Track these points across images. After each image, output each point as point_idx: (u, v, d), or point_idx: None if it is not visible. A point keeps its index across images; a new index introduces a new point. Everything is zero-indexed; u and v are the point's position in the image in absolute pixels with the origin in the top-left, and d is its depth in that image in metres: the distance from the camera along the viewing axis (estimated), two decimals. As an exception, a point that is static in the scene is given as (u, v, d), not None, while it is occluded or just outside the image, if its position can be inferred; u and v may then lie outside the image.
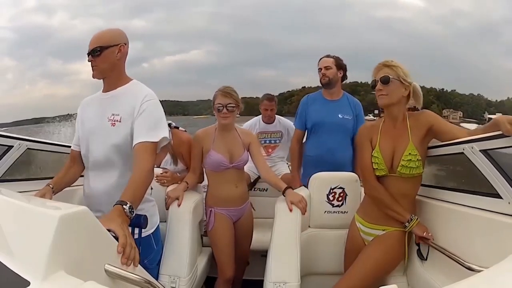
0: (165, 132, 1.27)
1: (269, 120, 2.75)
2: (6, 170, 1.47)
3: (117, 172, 1.29)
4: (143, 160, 1.19)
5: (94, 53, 1.27)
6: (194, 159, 1.80)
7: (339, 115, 2.21)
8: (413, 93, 1.41)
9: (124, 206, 1.04)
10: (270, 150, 2.77)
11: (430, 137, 1.40)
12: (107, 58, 1.29)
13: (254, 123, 2.79)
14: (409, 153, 1.35)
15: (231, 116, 1.75)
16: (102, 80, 1.36)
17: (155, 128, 1.25)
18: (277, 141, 2.75)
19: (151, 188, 1.40)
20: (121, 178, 1.26)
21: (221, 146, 1.76)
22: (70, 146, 1.75)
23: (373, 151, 1.44)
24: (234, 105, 1.73)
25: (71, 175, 1.43)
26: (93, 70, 1.30)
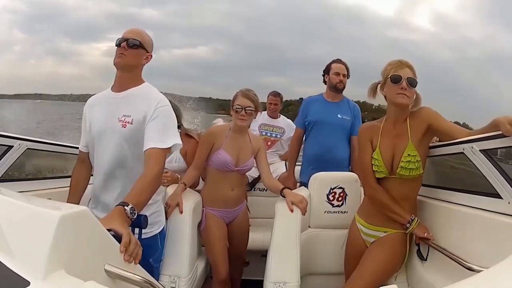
0: (176, 139, 1.25)
1: (273, 115, 2.84)
2: (6, 170, 1.47)
3: (126, 174, 1.27)
4: (151, 165, 1.18)
5: (131, 43, 1.26)
6: (200, 155, 1.76)
7: (338, 115, 2.29)
8: (416, 99, 1.41)
9: (125, 207, 1.03)
10: (269, 143, 2.81)
11: (430, 135, 1.39)
12: (138, 56, 1.29)
13: (259, 115, 2.87)
14: (408, 154, 1.34)
15: (248, 119, 1.73)
16: (116, 76, 1.32)
17: (166, 135, 1.23)
18: (278, 136, 2.81)
19: None
20: (130, 180, 1.22)
21: (231, 148, 1.75)
22: (70, 146, 1.76)
23: (373, 153, 1.43)
24: (253, 109, 1.72)
25: (82, 187, 1.41)
26: (118, 57, 1.27)
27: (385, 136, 1.44)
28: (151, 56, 1.34)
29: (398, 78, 1.36)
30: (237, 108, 1.71)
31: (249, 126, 1.87)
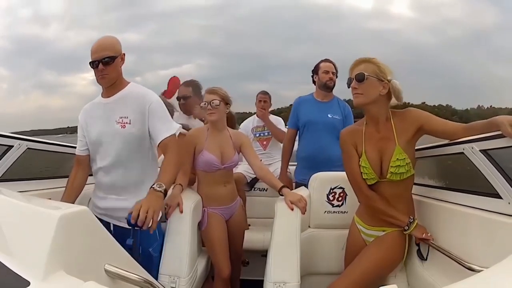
0: (176, 124, 1.44)
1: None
2: (6, 170, 1.46)
3: (128, 169, 1.42)
4: (170, 151, 1.37)
5: (105, 61, 1.34)
6: (185, 160, 1.76)
7: (329, 115, 2.32)
8: (394, 91, 1.32)
9: (153, 186, 1.23)
10: (265, 143, 2.79)
11: (419, 135, 1.36)
12: (116, 66, 1.38)
13: (249, 120, 2.87)
14: (397, 158, 1.30)
15: (217, 112, 1.74)
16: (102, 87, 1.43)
17: (168, 122, 1.42)
18: (270, 133, 2.79)
19: None
20: (134, 175, 1.42)
21: (213, 146, 1.76)
22: (70, 146, 1.76)
23: (360, 160, 1.39)
24: (218, 101, 1.73)
25: (78, 185, 1.49)
26: (102, 78, 1.37)
27: (369, 141, 1.38)
28: (123, 54, 1.43)
29: (349, 81, 1.35)
30: (203, 106, 1.75)
31: (233, 127, 1.91)
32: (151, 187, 1.23)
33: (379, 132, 1.37)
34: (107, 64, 1.34)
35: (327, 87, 2.35)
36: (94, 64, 1.35)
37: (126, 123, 1.37)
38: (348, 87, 1.36)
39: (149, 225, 1.13)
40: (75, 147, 1.68)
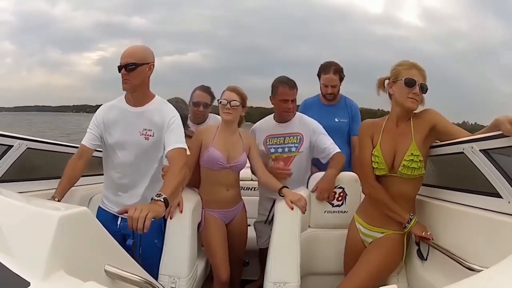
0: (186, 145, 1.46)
1: (286, 118, 1.91)
2: (6, 170, 1.46)
3: (142, 176, 1.50)
4: (177, 161, 1.37)
5: (128, 67, 1.38)
6: (190, 154, 1.72)
7: (336, 119, 2.26)
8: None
9: (153, 197, 1.19)
10: (282, 163, 1.88)
11: (433, 137, 1.39)
12: (140, 74, 1.41)
13: (266, 124, 2.01)
14: (411, 153, 1.33)
15: (234, 113, 1.72)
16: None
17: (182, 137, 1.46)
18: (293, 149, 1.88)
19: None
20: (147, 182, 1.49)
21: (220, 144, 1.74)
22: (70, 146, 1.76)
23: (374, 150, 1.42)
24: (238, 103, 1.72)
25: (77, 176, 1.48)
26: (124, 83, 1.42)
27: (386, 134, 1.43)
28: (153, 64, 1.47)
29: (413, 82, 1.35)
30: (223, 103, 1.72)
31: (239, 125, 1.83)
32: (152, 198, 1.20)
33: (398, 128, 1.42)
34: (130, 71, 1.39)
35: (327, 100, 2.29)
36: (119, 69, 1.41)
37: (150, 135, 1.45)
38: (407, 86, 1.36)
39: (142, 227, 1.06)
40: (75, 147, 1.68)
